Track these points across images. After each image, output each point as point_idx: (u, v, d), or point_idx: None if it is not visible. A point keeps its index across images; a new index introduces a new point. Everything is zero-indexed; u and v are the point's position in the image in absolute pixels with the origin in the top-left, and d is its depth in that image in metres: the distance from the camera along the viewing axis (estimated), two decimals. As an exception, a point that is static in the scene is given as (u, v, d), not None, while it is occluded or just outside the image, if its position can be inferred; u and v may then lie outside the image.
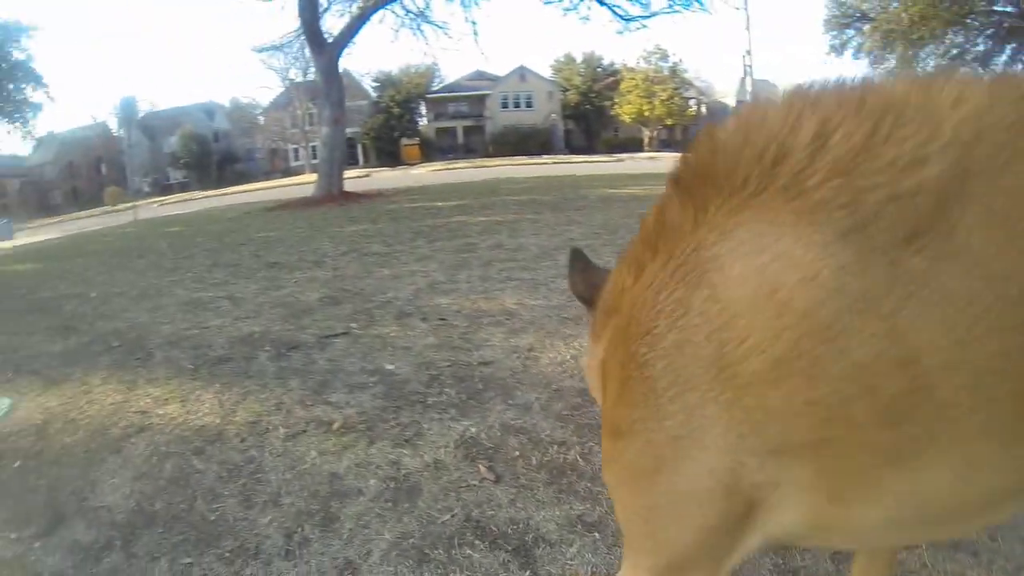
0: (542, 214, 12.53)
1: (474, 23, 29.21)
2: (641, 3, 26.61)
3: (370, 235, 11.48)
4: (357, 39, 24.54)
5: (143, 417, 4.04)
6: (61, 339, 6.17)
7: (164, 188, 74.28)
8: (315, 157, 46.73)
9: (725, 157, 1.06)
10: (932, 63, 40.42)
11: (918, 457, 0.95)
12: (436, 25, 27.68)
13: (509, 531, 2.51)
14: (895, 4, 36.12)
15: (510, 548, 2.43)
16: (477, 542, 2.49)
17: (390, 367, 4.47)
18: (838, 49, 43.43)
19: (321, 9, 23.83)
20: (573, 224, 10.65)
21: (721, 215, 1.04)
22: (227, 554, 2.61)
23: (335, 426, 3.64)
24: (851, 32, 42.54)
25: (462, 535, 2.55)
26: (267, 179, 69.35)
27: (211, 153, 77.89)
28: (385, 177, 44.27)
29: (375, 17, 24.41)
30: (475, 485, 2.90)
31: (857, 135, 0.95)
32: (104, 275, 10.17)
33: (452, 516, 2.67)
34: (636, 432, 1.14)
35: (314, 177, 24.33)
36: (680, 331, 1.05)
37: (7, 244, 26.35)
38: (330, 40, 23.10)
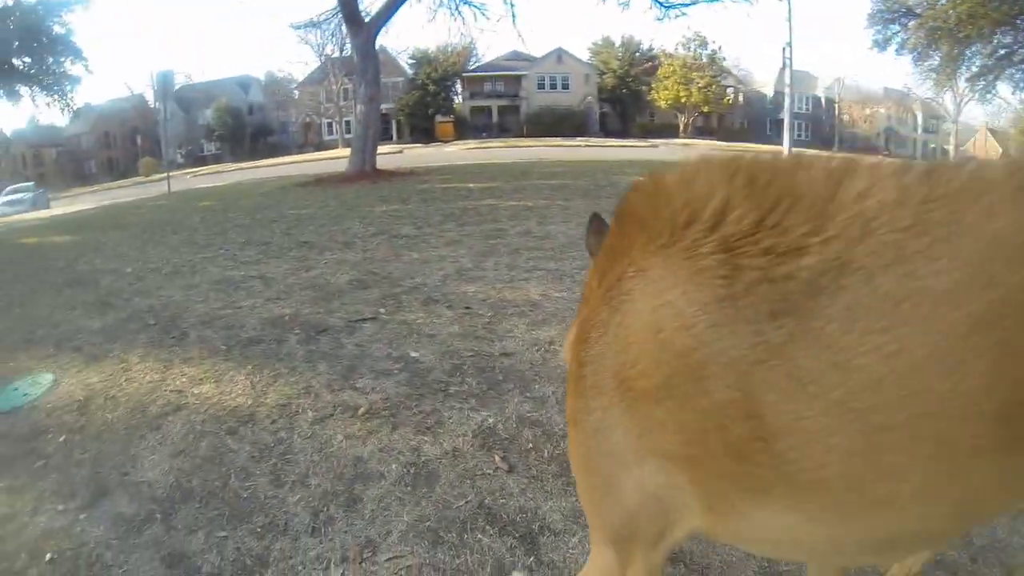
0: (572, 200, 12.60)
1: (512, 5, 29.09)
2: (682, -11, 26.58)
3: (401, 216, 11.58)
4: (394, 18, 24.60)
5: (179, 396, 4.24)
6: (99, 315, 6.34)
7: (198, 160, 74.75)
8: (348, 132, 46.63)
9: (654, 206, 1.25)
10: (978, 63, 39.77)
11: (764, 493, 1.13)
12: (474, 6, 27.66)
13: (518, 519, 2.70)
14: (943, 1, 35.44)
15: (517, 535, 2.62)
16: (488, 527, 2.68)
17: (415, 355, 4.64)
18: (881, 44, 42.72)
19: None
20: (602, 213, 10.56)
21: (641, 254, 1.23)
22: (258, 529, 2.82)
23: (361, 411, 3.82)
24: (895, 28, 41.85)
25: (474, 520, 2.74)
26: (300, 152, 69.63)
27: (245, 126, 78.30)
28: (418, 154, 44.27)
29: (413, -3, 24.47)
30: (489, 474, 3.08)
31: (748, 219, 1.12)
32: (138, 250, 10.34)
33: (466, 502, 2.86)
34: (578, 421, 1.37)
35: (347, 152, 24.47)
36: (601, 344, 1.27)
37: (44, 214, 26.75)
38: (367, 19, 23.11)
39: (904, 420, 0.99)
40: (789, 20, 30.72)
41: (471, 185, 16.64)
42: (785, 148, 29.67)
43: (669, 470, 1.21)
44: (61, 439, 3.84)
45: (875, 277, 1.00)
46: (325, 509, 2.92)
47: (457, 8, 27.27)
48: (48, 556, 2.78)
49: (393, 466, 3.21)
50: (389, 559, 2.57)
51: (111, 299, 6.99)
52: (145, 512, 3.01)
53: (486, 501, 2.87)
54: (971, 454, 0.99)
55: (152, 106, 69.62)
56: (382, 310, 5.72)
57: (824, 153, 1.26)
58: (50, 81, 37.02)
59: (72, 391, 4.54)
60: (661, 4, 26.54)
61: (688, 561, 2.42)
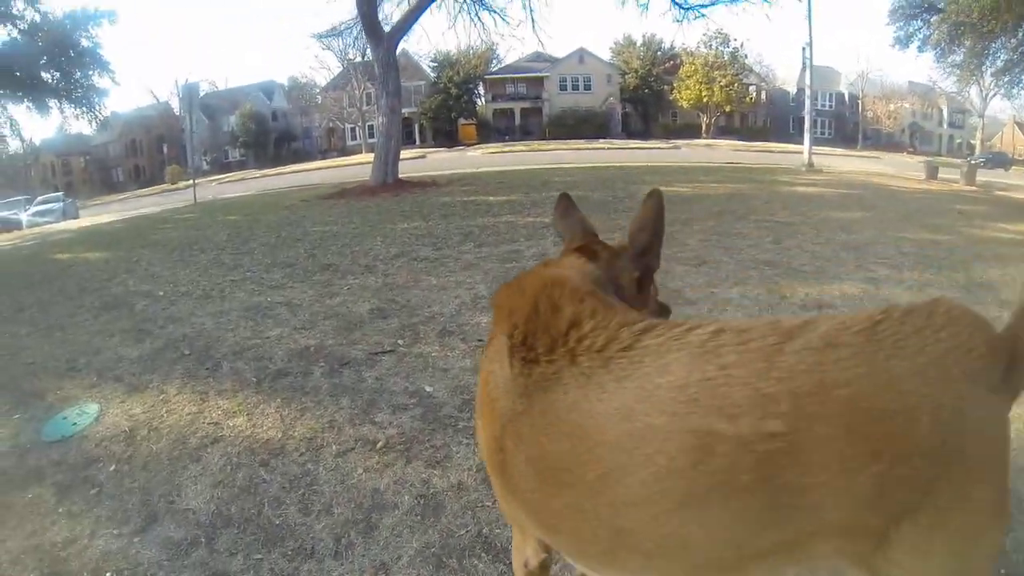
0: (590, 216, 12.47)
1: (531, 10, 29.41)
2: (700, -9, 26.86)
3: (421, 235, 11.82)
4: (417, 23, 24.96)
5: (216, 429, 4.60)
6: (136, 343, 6.64)
7: (223, 166, 75.65)
8: (372, 136, 46.88)
9: (504, 304, 1.82)
10: (1003, 58, 39.49)
11: (519, 503, 1.70)
12: (493, 11, 27.94)
13: (509, 547, 3.03)
14: None
15: (508, 562, 2.99)
16: (483, 555, 3.09)
17: (429, 389, 4.95)
18: (903, 41, 42.40)
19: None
20: (616, 231, 10.39)
21: (497, 331, 1.78)
22: (289, 553, 3.25)
23: (379, 445, 4.17)
24: (917, 24, 41.61)
25: (472, 548, 3.15)
26: (323, 158, 70.25)
27: (269, 132, 79.09)
28: (441, 159, 44.35)
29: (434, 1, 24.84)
30: (488, 506, 3.45)
31: (520, 338, 1.69)
32: (169, 270, 10.61)
33: (467, 531, 3.27)
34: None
35: (370, 157, 24.73)
36: (479, 377, 1.83)
37: (74, 225, 27.26)
38: (387, 30, 23.45)
39: (557, 481, 1.53)
40: (809, 19, 30.81)
41: (491, 199, 16.88)
42: (805, 150, 29.83)
43: (490, 472, 1.79)
44: (112, 468, 4.24)
45: (570, 391, 1.49)
46: (347, 535, 3.33)
47: (476, 14, 27.66)
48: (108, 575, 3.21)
49: (406, 497, 3.60)
50: (400, 581, 2.98)
51: (146, 326, 7.29)
52: (191, 536, 3.44)
53: (484, 531, 3.27)
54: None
55: (178, 114, 70.50)
56: (400, 342, 5.98)
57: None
58: (78, 94, 37.53)
59: (117, 422, 4.90)
60: (680, 6, 26.88)
61: None
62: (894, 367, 1.25)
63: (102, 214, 33.42)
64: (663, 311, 2.36)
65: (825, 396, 1.23)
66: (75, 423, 4.99)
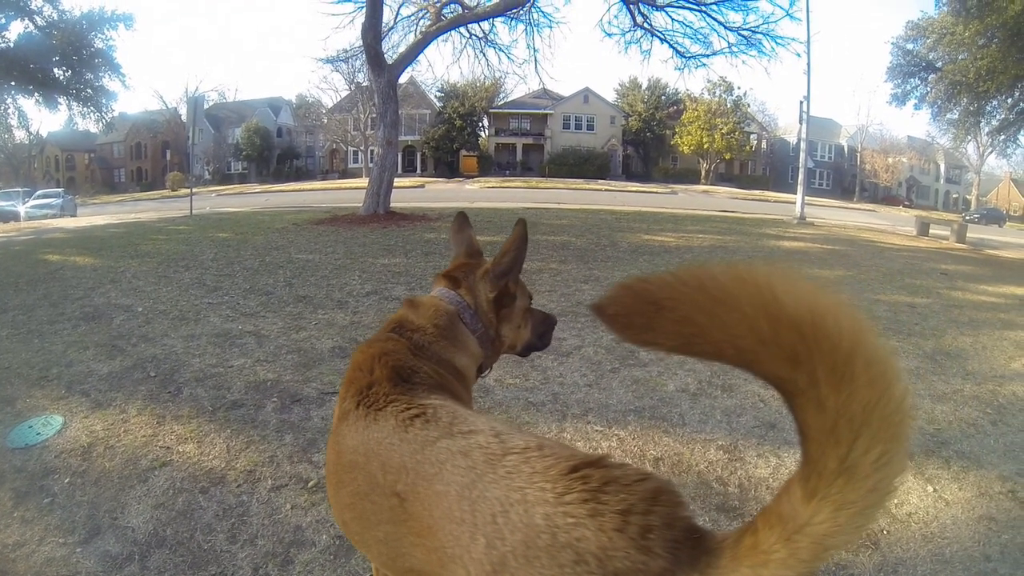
0: (567, 264, 13.06)
1: (536, 51, 29.96)
2: (702, 42, 27.53)
3: (398, 272, 12.01)
4: (422, 54, 25.35)
5: (167, 452, 4.91)
6: (108, 359, 6.90)
7: (224, 177, 76.15)
8: (372, 161, 47.69)
9: (353, 357, 2.21)
10: (999, 117, 40.21)
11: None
12: (499, 48, 28.88)
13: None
14: (963, 55, 36.03)
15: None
16: (378, 598, 3.44)
17: None
18: (900, 99, 43.28)
19: (386, 28, 24.86)
20: (590, 282, 10.99)
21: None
22: (210, 577, 3.59)
23: (310, 484, 4.47)
24: (915, 82, 42.43)
25: (372, 591, 3.50)
26: (325, 178, 70.65)
27: (273, 147, 79.73)
28: (439, 190, 44.36)
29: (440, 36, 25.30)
30: (394, 552, 3.83)
31: (344, 385, 2.11)
32: (152, 285, 10.84)
33: (369, 575, 3.59)
34: None
35: (367, 182, 24.91)
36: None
37: (70, 223, 27.54)
38: (391, 61, 23.90)
39: (329, 481, 2.04)
40: (808, 74, 31.16)
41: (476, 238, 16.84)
42: (798, 202, 30.11)
43: None
44: (66, 480, 4.57)
45: (348, 424, 1.94)
46: (264, 566, 3.66)
47: (482, 50, 28.46)
48: (48, 582, 3.55)
49: (324, 536, 3.92)
50: (302, 613, 3.33)
51: (120, 342, 7.54)
52: (127, 552, 3.77)
53: None
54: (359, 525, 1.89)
55: (183, 120, 70.95)
56: (352, 383, 6.20)
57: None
58: (87, 94, 38.06)
59: (78, 436, 5.20)
60: (681, 55, 27.54)
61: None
62: (486, 487, 1.47)
63: (99, 214, 33.72)
64: (546, 320, 2.78)
65: (428, 487, 1.57)
66: (39, 433, 5.29)
